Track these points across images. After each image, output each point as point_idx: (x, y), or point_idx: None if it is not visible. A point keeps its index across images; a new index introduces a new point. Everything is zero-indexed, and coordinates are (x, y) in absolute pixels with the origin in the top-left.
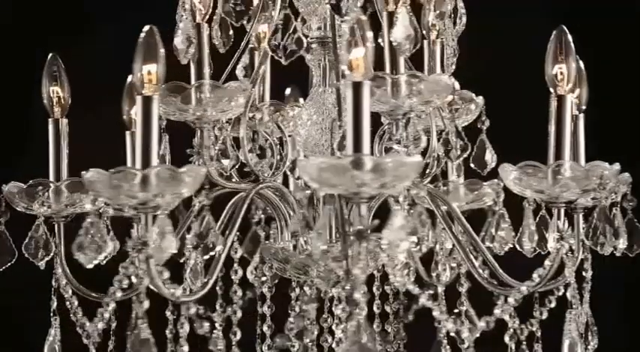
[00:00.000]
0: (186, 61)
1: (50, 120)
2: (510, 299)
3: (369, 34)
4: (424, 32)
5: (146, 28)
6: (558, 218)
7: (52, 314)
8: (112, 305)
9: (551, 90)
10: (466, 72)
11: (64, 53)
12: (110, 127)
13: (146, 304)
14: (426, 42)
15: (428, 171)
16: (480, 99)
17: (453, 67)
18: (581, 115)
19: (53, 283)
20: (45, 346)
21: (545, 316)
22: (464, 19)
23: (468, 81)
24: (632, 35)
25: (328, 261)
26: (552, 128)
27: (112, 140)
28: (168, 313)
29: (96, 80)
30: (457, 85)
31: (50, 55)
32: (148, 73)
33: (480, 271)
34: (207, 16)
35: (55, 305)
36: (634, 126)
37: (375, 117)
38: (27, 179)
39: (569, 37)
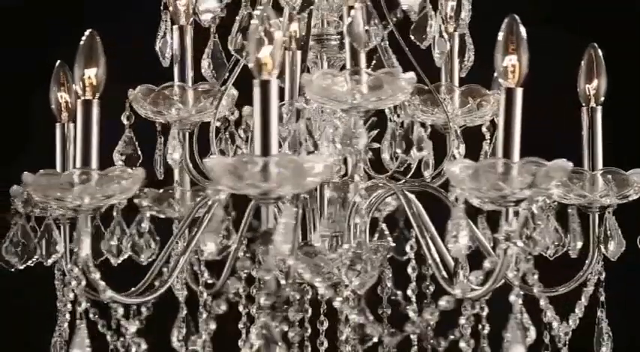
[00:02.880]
0: (168, 64)
1: (57, 124)
2: (442, 302)
3: (278, 32)
4: (440, 25)
5: (87, 32)
6: (506, 218)
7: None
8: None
9: (502, 82)
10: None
11: (64, 53)
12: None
13: (83, 305)
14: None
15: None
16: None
17: (471, 62)
18: (599, 108)
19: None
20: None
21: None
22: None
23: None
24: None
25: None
26: (501, 122)
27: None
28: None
29: None
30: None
31: (58, 62)
32: (89, 77)
33: (443, 271)
34: (192, 19)
35: (59, 305)
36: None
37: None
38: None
39: (522, 27)
